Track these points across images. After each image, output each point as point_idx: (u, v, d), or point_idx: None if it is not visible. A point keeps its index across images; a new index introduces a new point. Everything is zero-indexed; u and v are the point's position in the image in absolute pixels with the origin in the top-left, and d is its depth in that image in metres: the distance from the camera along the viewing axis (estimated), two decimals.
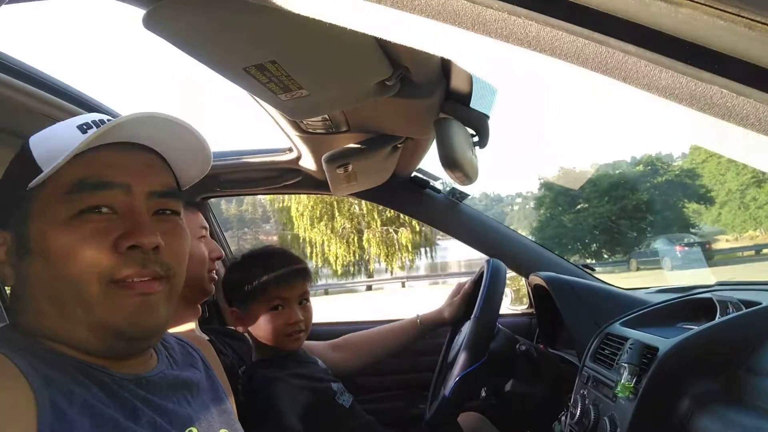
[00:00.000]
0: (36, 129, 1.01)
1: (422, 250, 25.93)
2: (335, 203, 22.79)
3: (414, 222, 21.95)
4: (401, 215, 20.05)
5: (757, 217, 30.78)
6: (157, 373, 0.77)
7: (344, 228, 24.05)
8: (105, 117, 0.76)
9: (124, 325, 0.69)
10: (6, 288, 1.81)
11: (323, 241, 24.04)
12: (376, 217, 23.65)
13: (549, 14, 0.41)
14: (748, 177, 31.21)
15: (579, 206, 28.05)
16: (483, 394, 1.61)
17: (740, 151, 0.42)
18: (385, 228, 23.85)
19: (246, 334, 1.53)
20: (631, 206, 26.63)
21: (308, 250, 23.74)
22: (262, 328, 1.43)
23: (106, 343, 0.70)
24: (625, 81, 0.41)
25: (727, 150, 0.42)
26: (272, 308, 1.42)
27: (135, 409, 0.69)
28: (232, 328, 1.65)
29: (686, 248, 20.41)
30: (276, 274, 1.43)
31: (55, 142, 0.70)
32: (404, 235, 23.66)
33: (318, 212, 23.74)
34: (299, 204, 23.33)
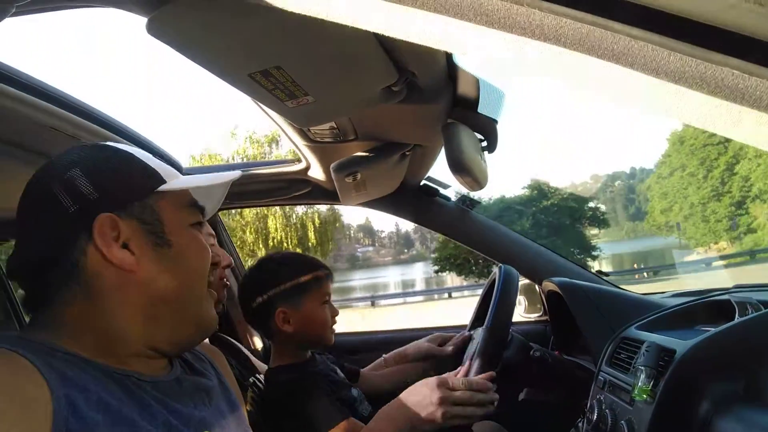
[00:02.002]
0: (41, 141, 1.02)
1: None
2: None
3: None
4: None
5: (716, 230, 31.24)
6: (173, 378, 0.79)
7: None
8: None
9: (213, 322, 0.83)
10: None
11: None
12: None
13: (552, 1, 0.40)
14: (708, 191, 31.80)
15: None
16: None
17: (753, 135, 0.40)
18: None
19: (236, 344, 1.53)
20: (517, 231, 27.39)
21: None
22: (316, 321, 1.48)
23: (188, 338, 0.81)
24: (633, 67, 0.40)
25: (739, 135, 0.41)
26: (323, 302, 1.49)
27: (151, 410, 0.70)
28: (226, 337, 1.71)
29: None
30: (326, 271, 1.51)
31: (158, 162, 0.82)
32: None
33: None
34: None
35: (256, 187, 2.04)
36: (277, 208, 22.57)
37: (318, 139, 1.49)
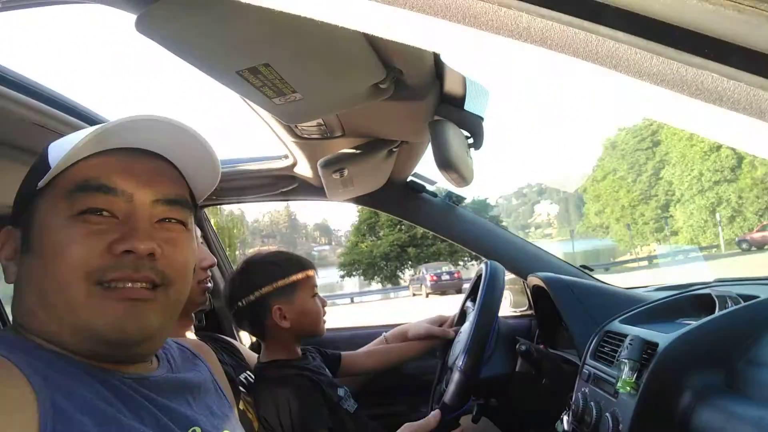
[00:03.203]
0: (30, 139, 1.01)
1: None
2: None
3: None
4: None
5: (643, 232, 32.32)
6: (159, 375, 0.77)
7: None
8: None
9: (107, 330, 0.67)
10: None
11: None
12: None
13: (539, 4, 0.41)
14: (637, 194, 32.83)
15: (381, 233, 29.72)
16: (475, 408, 1.61)
17: (732, 136, 0.42)
18: None
19: (233, 341, 1.54)
20: (421, 234, 28.22)
21: None
22: (310, 314, 1.53)
23: (88, 347, 0.69)
24: (616, 69, 0.41)
25: (718, 135, 0.42)
26: (313, 296, 1.54)
27: (138, 408, 0.69)
28: (222, 336, 1.71)
29: (436, 278, 23.45)
30: (312, 266, 1.57)
31: (68, 145, 0.70)
32: None
33: None
34: None
35: (242, 184, 2.04)
36: None
37: (305, 136, 1.50)
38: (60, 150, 0.71)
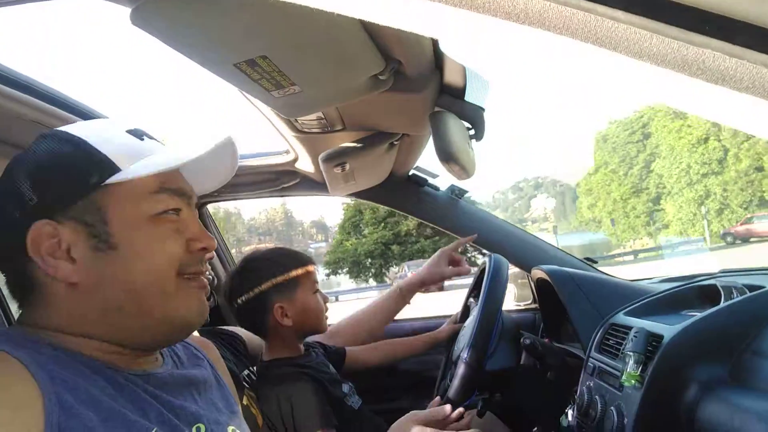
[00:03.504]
0: (26, 136, 1.01)
1: None
2: None
3: None
4: None
5: (635, 226, 32.38)
6: (165, 372, 0.78)
7: None
8: (142, 128, 0.80)
9: (194, 316, 0.76)
10: None
11: None
12: None
13: None
14: (628, 187, 32.91)
15: (365, 231, 29.81)
16: (480, 403, 1.60)
17: (735, 116, 0.41)
18: None
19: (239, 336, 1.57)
20: (404, 232, 28.01)
21: None
22: (312, 310, 1.51)
23: (166, 336, 0.77)
24: (615, 50, 0.40)
25: (721, 117, 0.41)
26: (314, 292, 1.53)
27: (143, 403, 0.69)
28: (225, 327, 1.70)
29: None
30: (312, 262, 1.56)
31: (120, 143, 0.74)
32: None
33: None
34: None
35: (243, 179, 2.03)
36: None
37: (305, 130, 1.49)
38: (115, 146, 0.73)
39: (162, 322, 0.74)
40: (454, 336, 1.80)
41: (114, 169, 0.71)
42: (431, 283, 1.89)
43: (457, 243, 1.93)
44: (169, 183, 0.75)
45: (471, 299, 1.85)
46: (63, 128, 0.76)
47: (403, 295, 1.90)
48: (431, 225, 2.20)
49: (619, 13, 0.38)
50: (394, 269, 30.15)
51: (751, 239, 24.33)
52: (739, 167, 27.96)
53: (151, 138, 0.78)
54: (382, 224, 29.35)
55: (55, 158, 0.72)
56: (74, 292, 0.70)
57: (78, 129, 0.75)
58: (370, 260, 31.47)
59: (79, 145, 0.72)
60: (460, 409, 1.30)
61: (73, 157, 0.71)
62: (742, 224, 25.75)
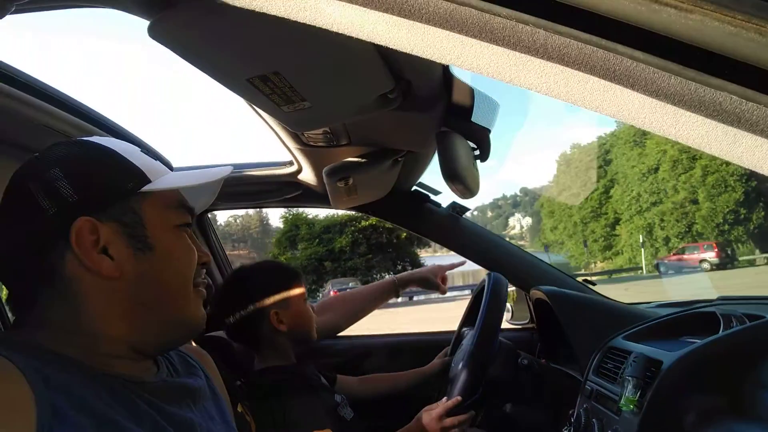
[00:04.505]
0: (36, 140, 1.01)
1: None
2: None
3: None
4: None
5: (592, 250, 32.68)
6: (160, 379, 0.78)
7: None
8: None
9: (200, 322, 0.81)
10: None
11: None
12: None
13: (558, 21, 0.41)
14: (588, 211, 33.21)
15: (299, 246, 29.97)
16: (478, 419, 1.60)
17: (749, 158, 0.41)
18: None
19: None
20: (338, 249, 28.14)
21: None
22: (304, 317, 1.57)
23: (175, 338, 0.81)
24: (633, 88, 0.41)
25: (735, 157, 0.42)
26: (304, 300, 1.59)
27: (137, 411, 0.69)
28: (214, 334, 1.69)
29: (338, 294, 22.82)
30: (299, 273, 1.63)
31: (144, 160, 0.79)
32: None
33: None
34: None
35: (245, 189, 2.03)
36: None
37: (311, 143, 1.50)
38: (143, 162, 0.78)
39: (178, 323, 0.79)
40: (445, 368, 1.80)
41: (146, 179, 0.76)
42: (423, 286, 2.02)
43: (452, 265, 2.04)
44: (184, 200, 0.82)
45: (464, 329, 1.85)
46: (90, 139, 0.80)
47: (396, 288, 2.00)
48: (433, 240, 2.21)
49: (639, 54, 0.39)
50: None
51: (684, 270, 24.38)
52: (676, 199, 28.39)
53: (162, 161, 0.85)
54: (317, 240, 29.22)
55: (94, 162, 0.75)
56: (108, 286, 0.72)
57: (106, 142, 0.79)
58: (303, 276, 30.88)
59: (113, 154, 0.77)
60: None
61: (112, 163, 0.76)
62: (674, 254, 25.92)
